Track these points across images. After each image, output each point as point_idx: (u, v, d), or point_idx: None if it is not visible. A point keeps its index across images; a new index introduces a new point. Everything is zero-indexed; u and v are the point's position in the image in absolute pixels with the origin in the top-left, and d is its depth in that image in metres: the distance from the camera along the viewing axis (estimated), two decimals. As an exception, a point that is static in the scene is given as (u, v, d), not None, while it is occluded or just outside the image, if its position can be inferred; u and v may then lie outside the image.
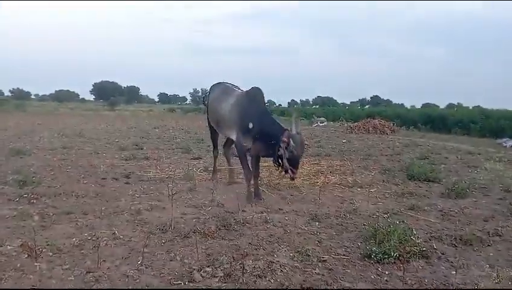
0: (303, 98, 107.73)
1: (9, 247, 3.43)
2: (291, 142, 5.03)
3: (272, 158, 5.35)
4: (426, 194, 6.01)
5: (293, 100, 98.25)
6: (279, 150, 5.09)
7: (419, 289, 2.96)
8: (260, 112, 5.51)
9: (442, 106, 62.68)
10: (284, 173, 5.25)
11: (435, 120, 23.69)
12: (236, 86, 6.44)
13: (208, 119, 6.74)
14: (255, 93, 5.73)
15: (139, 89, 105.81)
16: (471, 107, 39.27)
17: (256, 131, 5.38)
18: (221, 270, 3.11)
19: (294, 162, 5.10)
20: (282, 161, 5.11)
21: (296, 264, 3.31)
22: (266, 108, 5.85)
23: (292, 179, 5.25)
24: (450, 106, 64.97)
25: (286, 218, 4.62)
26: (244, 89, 6.16)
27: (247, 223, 4.34)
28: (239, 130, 5.61)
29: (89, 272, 3.02)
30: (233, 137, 5.79)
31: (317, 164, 8.62)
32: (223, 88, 6.40)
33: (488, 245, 3.85)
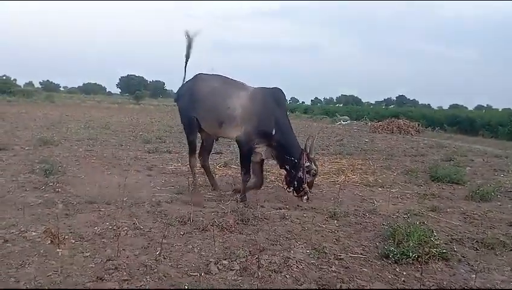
0: (326, 96, 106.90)
1: (33, 233, 3.55)
2: (313, 165, 5.06)
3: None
4: (449, 196, 5.89)
5: (316, 98, 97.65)
6: (296, 172, 5.01)
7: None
8: (284, 121, 5.14)
9: (470, 107, 61.19)
10: (299, 196, 5.12)
11: (462, 122, 23.17)
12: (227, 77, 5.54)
13: (187, 115, 5.46)
14: (279, 96, 5.26)
15: (164, 84, 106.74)
16: (500, 110, 38.22)
17: (274, 139, 5.05)
18: (237, 263, 3.14)
19: (311, 185, 5.16)
20: (301, 184, 5.03)
21: (312, 261, 3.30)
22: (288, 118, 5.36)
23: (308, 199, 5.10)
24: (479, 107, 63.42)
25: (304, 215, 4.61)
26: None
27: (265, 218, 4.36)
28: (252, 130, 5.02)
29: (109, 260, 3.10)
30: (238, 134, 5.11)
31: (338, 162, 8.56)
32: (223, 80, 5.44)
33: (511, 250, 3.75)
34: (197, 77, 5.57)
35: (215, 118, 5.23)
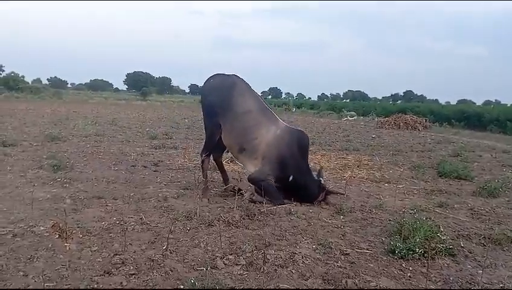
0: (333, 92, 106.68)
1: (41, 228, 3.59)
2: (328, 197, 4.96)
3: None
4: (456, 192, 5.85)
5: (323, 94, 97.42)
6: (310, 197, 4.90)
7: (443, 288, 2.91)
8: (303, 166, 4.93)
9: (479, 102, 60.78)
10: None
11: (470, 117, 22.96)
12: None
13: (214, 120, 5.08)
14: (304, 141, 5.01)
15: (170, 80, 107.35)
16: (509, 105, 37.83)
17: (290, 183, 4.85)
18: (243, 258, 3.14)
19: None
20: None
21: (318, 256, 3.30)
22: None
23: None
24: (487, 102, 62.95)
25: (310, 210, 4.60)
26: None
27: (271, 213, 4.36)
28: (269, 171, 4.84)
29: (116, 255, 3.12)
30: (252, 169, 4.94)
31: (345, 158, 8.54)
32: (259, 103, 5.11)
33: (519, 246, 3.72)
34: (236, 84, 5.12)
35: (238, 142, 4.98)
